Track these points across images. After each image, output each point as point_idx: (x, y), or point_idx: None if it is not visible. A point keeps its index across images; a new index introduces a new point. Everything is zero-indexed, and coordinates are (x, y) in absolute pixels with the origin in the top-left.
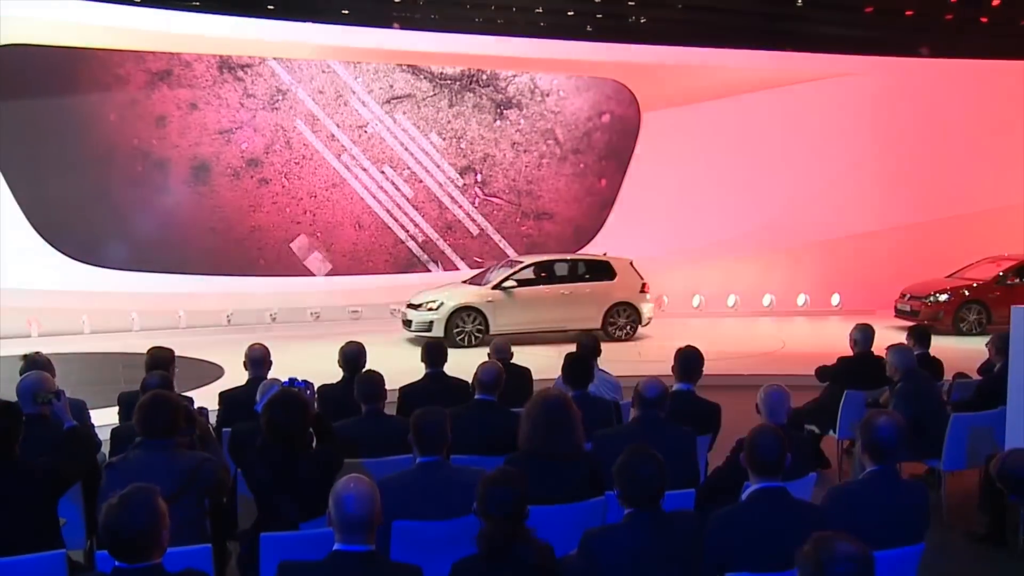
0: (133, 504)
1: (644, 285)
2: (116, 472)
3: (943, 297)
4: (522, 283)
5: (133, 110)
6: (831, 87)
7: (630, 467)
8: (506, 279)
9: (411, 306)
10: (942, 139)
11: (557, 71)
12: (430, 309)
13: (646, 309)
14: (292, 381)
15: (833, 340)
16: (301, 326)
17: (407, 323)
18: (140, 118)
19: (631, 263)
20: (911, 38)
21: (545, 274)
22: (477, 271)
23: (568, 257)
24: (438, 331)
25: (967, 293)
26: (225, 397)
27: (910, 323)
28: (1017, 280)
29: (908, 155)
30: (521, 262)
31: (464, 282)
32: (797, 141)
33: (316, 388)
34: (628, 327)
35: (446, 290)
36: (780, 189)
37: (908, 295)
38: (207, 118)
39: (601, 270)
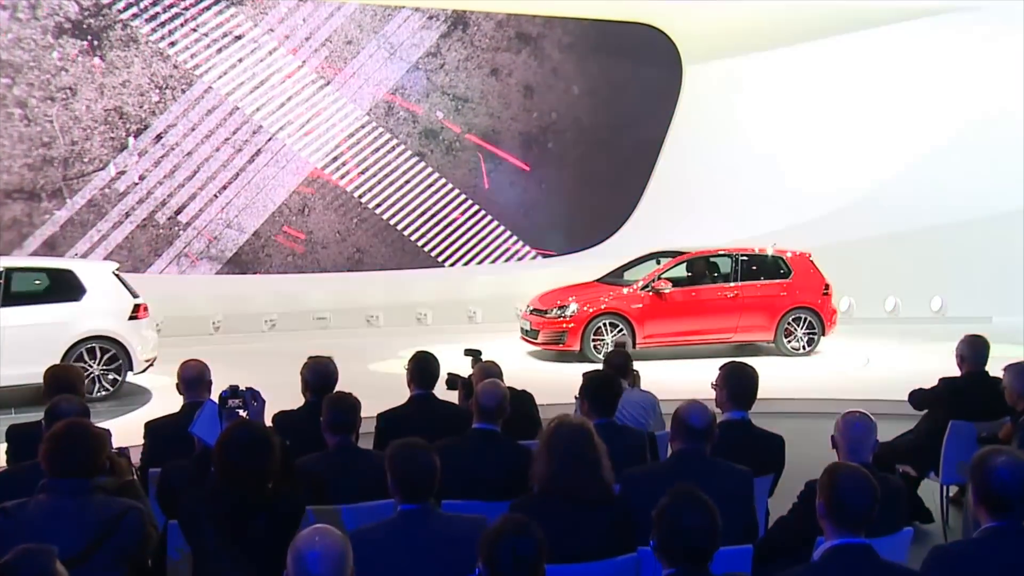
0: (21, 573)
1: (139, 307)
2: (13, 522)
3: (570, 310)
4: None
5: None
6: (945, 26)
7: (673, 514)
8: None
9: None
10: None
11: (572, 13)
12: None
13: (139, 343)
14: (233, 390)
15: (933, 356)
16: (251, 336)
17: None
18: None
19: (115, 271)
20: None
21: None
22: None
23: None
24: None
25: (603, 304)
26: (153, 428)
27: (533, 345)
28: (670, 285)
29: None
30: None
31: None
32: (894, 100)
33: (273, 416)
34: (112, 376)
35: None
36: (864, 162)
37: (531, 307)
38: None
39: (62, 285)
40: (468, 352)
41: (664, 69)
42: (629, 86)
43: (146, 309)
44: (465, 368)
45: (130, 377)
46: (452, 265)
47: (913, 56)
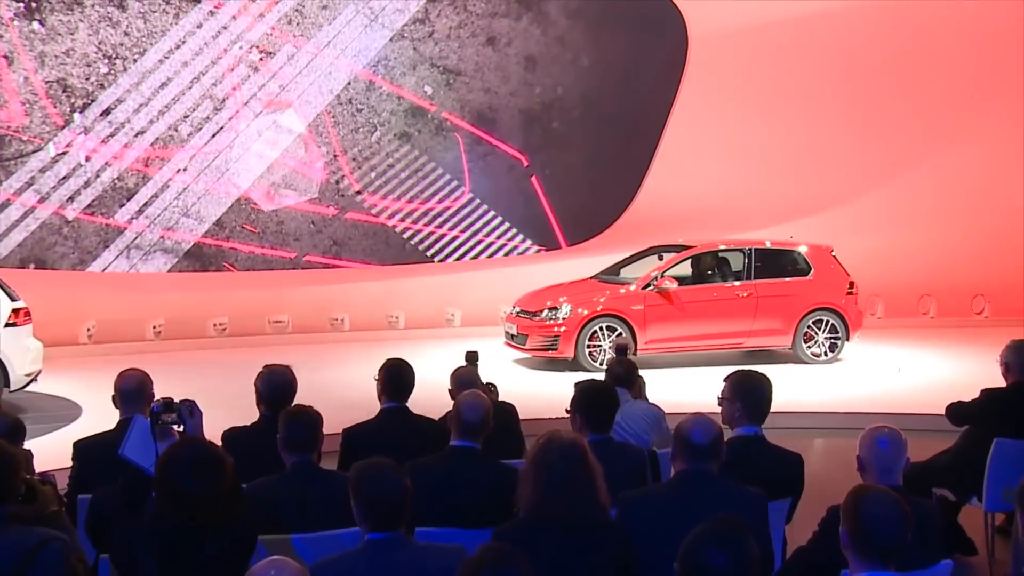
0: None
1: (19, 312)
2: None
3: (562, 312)
4: None
5: None
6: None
7: (694, 549)
8: None
9: None
10: None
11: None
12: None
13: (18, 355)
14: (166, 404)
15: (974, 364)
16: (198, 343)
17: None
18: None
19: None
20: None
21: None
22: None
23: None
24: None
25: (599, 306)
26: (82, 449)
27: (520, 351)
28: (675, 283)
29: None
30: None
31: None
32: (920, 74)
33: (223, 432)
34: None
35: None
36: (891, 145)
37: (517, 308)
38: None
39: None
40: (467, 356)
41: (668, 40)
42: (636, 59)
43: (28, 314)
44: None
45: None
46: (441, 260)
47: (937, 28)
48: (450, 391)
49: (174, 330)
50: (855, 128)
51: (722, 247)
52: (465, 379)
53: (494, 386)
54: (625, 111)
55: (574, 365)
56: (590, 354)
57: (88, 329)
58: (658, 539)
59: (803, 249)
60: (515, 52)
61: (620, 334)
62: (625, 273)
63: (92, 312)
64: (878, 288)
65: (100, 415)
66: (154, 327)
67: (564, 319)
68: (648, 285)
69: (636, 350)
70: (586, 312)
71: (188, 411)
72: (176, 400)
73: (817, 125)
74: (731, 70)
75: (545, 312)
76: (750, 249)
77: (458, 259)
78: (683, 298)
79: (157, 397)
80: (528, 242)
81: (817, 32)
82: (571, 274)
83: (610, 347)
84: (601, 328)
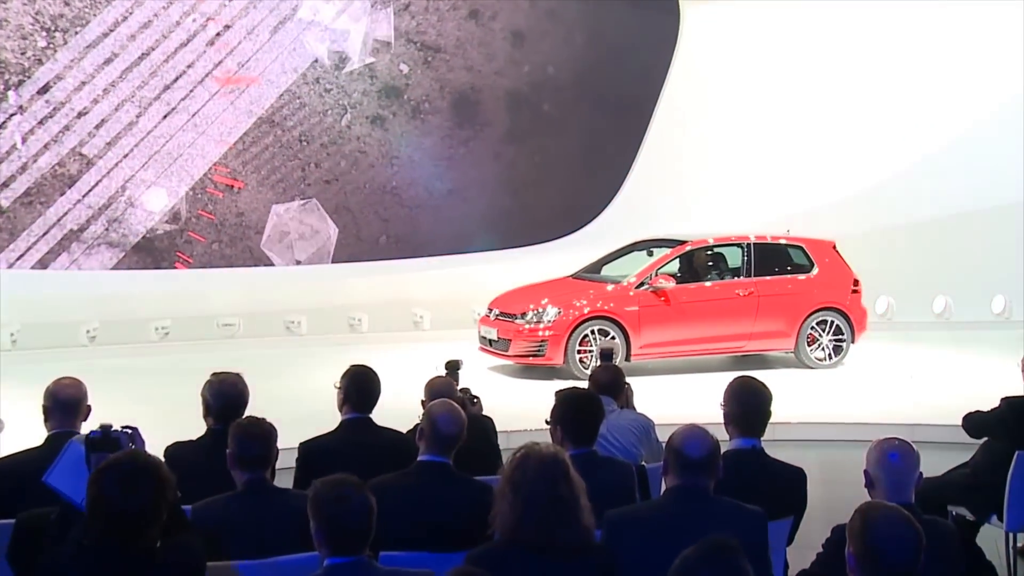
0: None
1: None
2: None
3: (549, 315)
4: None
5: None
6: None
7: (686, 571)
8: None
9: None
10: None
11: None
12: None
13: None
14: (105, 431)
15: (993, 370)
16: (137, 349)
17: None
18: None
19: None
20: None
21: None
22: None
23: None
24: None
25: (587, 308)
26: (7, 467)
27: (500, 358)
28: (672, 282)
29: None
30: None
31: None
32: (940, 54)
33: (165, 448)
34: None
35: None
36: (904, 130)
37: (495, 310)
38: None
39: None
40: (448, 365)
41: (659, 13)
42: (625, 35)
43: None
44: None
45: None
46: (414, 257)
47: (964, 15)
48: (423, 402)
49: (110, 335)
50: (862, 108)
51: (719, 242)
52: (441, 390)
53: (478, 399)
54: (622, 92)
55: (556, 371)
56: (580, 360)
57: (12, 334)
58: (648, 563)
59: (804, 244)
60: (501, 27)
61: (613, 338)
62: (607, 271)
63: (17, 314)
64: (887, 286)
65: (24, 429)
66: (87, 331)
67: (551, 322)
68: (642, 284)
69: (630, 355)
70: (576, 314)
71: (129, 439)
72: (117, 427)
73: (820, 107)
74: (728, 48)
75: (529, 315)
76: (748, 244)
77: (431, 255)
78: (680, 298)
79: (96, 425)
80: (508, 236)
81: (818, 8)
82: (553, 271)
83: (598, 350)
84: (592, 332)
